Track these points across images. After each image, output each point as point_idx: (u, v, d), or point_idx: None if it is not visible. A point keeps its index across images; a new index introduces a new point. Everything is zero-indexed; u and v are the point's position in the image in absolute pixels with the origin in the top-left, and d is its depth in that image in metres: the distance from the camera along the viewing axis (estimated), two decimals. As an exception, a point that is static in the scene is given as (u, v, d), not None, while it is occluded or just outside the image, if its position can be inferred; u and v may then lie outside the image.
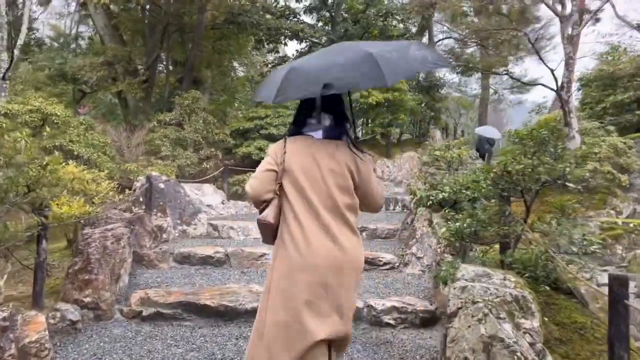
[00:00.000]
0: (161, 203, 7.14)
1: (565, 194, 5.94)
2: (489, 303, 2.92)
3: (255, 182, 2.38)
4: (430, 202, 6.06)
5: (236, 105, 19.32)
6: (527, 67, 24.09)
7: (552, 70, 6.70)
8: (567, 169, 3.60)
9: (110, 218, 5.56)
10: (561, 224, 3.47)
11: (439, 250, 5.10)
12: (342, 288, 2.31)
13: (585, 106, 16.16)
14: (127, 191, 6.36)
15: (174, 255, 5.86)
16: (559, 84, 8.65)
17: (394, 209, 9.85)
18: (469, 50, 22.19)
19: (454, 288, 3.14)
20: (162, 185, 7.28)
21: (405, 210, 9.69)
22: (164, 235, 6.68)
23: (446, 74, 20.10)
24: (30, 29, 16.22)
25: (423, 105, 15.34)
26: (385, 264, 5.75)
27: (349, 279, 2.32)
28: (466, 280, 3.21)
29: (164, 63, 16.03)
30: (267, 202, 2.38)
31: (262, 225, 2.39)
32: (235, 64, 20.79)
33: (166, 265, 5.73)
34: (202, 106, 10.68)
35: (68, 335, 3.74)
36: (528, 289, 3.10)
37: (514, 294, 3.00)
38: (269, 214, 2.35)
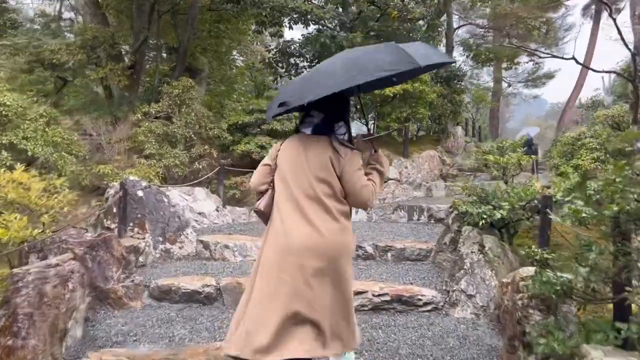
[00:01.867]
0: (139, 216, 5.92)
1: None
2: None
3: (254, 175, 2.80)
4: (483, 221, 4.82)
5: (235, 96, 18.07)
6: (541, 59, 22.70)
7: (633, 54, 5.47)
8: None
9: (66, 242, 4.33)
10: None
11: (494, 285, 3.85)
12: (316, 273, 2.49)
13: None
14: (92, 202, 5.13)
15: (150, 289, 4.63)
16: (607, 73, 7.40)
17: (418, 219, 8.61)
18: (487, 39, 20.86)
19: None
20: (140, 193, 6.05)
21: (431, 221, 8.45)
22: (141, 259, 5.44)
23: (461, 65, 18.77)
24: (5, 9, 14.95)
25: (443, 98, 14.03)
26: (426, 303, 4.51)
27: (323, 264, 2.50)
28: (608, 384, 1.98)
29: (155, 48, 14.77)
30: (264, 193, 2.75)
31: (257, 213, 2.79)
32: (235, 52, 19.51)
33: (139, 304, 4.50)
34: (194, 96, 9.42)
35: None
36: None
37: None
38: (261, 203, 2.73)
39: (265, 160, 2.78)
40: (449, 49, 17.98)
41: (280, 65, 12.95)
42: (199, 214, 8.54)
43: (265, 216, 2.72)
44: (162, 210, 6.17)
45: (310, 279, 2.46)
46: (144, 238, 5.76)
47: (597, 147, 6.46)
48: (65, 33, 16.43)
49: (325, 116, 2.68)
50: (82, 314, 3.66)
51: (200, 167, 9.01)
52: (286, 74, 13.06)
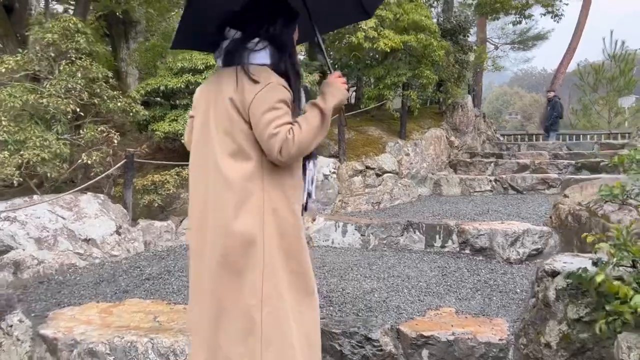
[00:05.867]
0: None
1: None
2: None
3: (185, 131, 2.38)
4: None
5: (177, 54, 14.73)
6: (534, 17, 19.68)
7: None
8: None
9: None
10: None
11: None
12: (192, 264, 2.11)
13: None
14: None
15: None
16: None
17: (443, 246, 5.78)
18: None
19: None
20: None
21: (465, 251, 5.61)
22: None
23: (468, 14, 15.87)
24: None
25: (447, 56, 11.16)
26: None
27: (205, 255, 2.01)
28: None
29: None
30: None
31: None
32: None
33: None
34: (82, 47, 6.21)
35: None
36: None
37: None
38: None
39: (190, 112, 2.29)
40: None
41: None
42: (86, 241, 5.51)
43: None
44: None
45: (192, 272, 2.10)
46: None
47: None
48: None
49: (243, 33, 2.08)
50: None
51: (90, 162, 5.90)
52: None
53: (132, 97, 6.71)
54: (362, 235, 6.09)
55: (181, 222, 7.13)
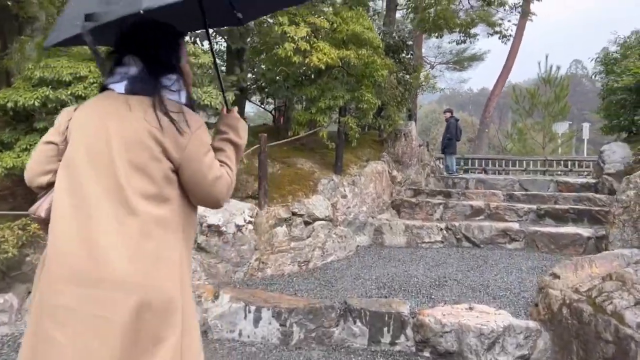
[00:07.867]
0: None
1: None
2: None
3: (30, 160, 1.91)
4: None
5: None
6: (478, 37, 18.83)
7: None
8: None
9: None
10: None
11: None
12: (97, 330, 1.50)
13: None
14: None
15: None
16: None
17: (393, 344, 4.25)
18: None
19: None
20: None
21: (424, 353, 4.13)
22: None
23: (413, 27, 14.79)
24: None
25: (393, 76, 9.91)
26: None
27: (116, 331, 1.50)
28: None
29: None
30: (46, 189, 1.83)
31: (37, 221, 1.87)
32: None
33: None
34: None
35: None
36: None
37: None
38: (42, 205, 1.80)
39: (48, 136, 1.86)
40: (392, 5, 13.92)
41: None
42: None
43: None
44: None
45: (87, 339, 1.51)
46: None
47: None
48: None
49: (147, 63, 1.77)
50: None
51: None
52: None
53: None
54: (281, 325, 4.46)
55: (29, 293, 5.27)
